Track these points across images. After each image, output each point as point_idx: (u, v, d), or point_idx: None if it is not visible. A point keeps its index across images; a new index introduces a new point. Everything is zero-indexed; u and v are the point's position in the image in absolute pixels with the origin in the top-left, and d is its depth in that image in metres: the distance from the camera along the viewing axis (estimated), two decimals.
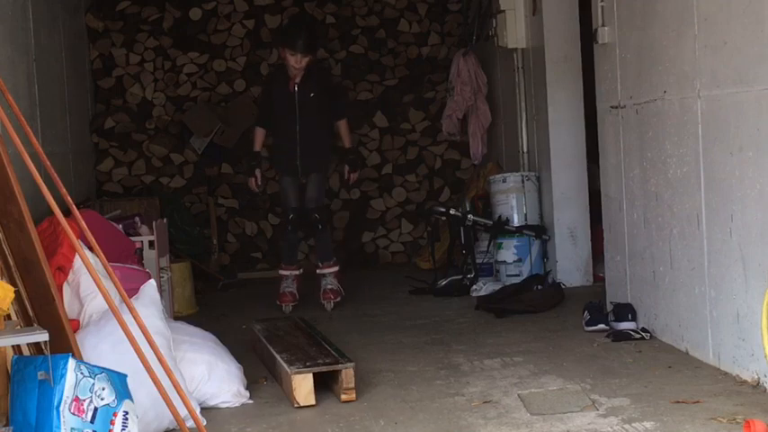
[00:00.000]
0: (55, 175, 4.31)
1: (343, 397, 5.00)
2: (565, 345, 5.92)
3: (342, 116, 7.93)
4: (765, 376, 4.68)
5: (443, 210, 8.49)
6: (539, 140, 8.22)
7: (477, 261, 8.18)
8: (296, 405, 4.96)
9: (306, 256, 10.17)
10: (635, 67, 5.94)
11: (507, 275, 7.97)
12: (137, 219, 7.36)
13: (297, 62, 7.58)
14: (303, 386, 4.96)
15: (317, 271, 7.85)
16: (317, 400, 5.00)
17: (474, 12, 9.47)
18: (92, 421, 3.98)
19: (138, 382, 4.22)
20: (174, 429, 4.65)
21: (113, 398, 4.06)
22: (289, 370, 5.04)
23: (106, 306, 4.54)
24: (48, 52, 7.49)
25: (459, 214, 8.29)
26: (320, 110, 7.74)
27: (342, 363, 5.08)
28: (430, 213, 8.86)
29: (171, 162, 10.02)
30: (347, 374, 5.00)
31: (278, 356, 5.37)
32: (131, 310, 4.18)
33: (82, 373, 3.99)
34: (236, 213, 10.11)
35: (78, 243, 4.42)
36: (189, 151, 10.03)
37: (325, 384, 5.14)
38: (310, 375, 4.98)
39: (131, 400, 4.15)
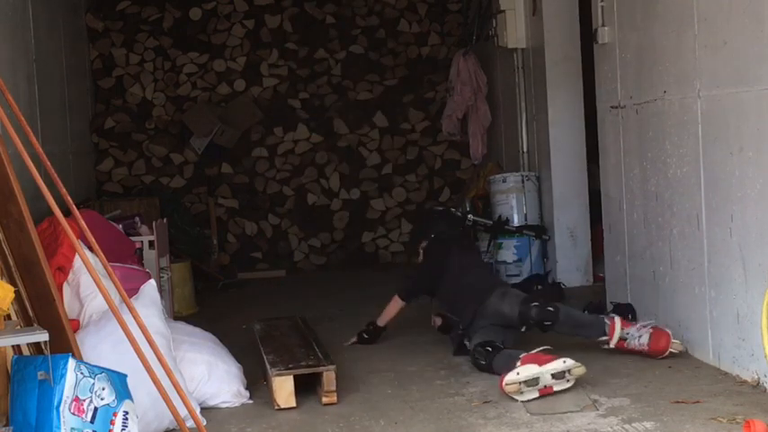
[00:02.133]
0: (55, 175, 4.31)
1: (324, 399, 4.97)
2: (565, 345, 5.91)
3: None
4: (765, 376, 4.68)
5: (443, 210, 8.48)
6: (539, 140, 8.22)
7: None
8: (276, 407, 4.93)
9: (306, 255, 10.19)
10: (635, 67, 5.94)
11: (507, 275, 7.97)
12: (137, 219, 7.36)
13: None
14: (284, 388, 4.93)
15: None
16: (315, 400, 5.00)
17: (474, 12, 9.47)
18: (92, 421, 3.98)
19: (138, 382, 4.22)
20: (174, 429, 4.65)
21: (113, 398, 4.06)
22: (270, 371, 5.04)
23: (106, 306, 4.54)
24: (48, 52, 7.49)
25: (459, 214, 8.28)
26: None
27: (324, 365, 5.04)
28: (429, 213, 8.86)
29: (171, 162, 10.02)
30: (328, 377, 4.97)
31: (265, 357, 5.36)
32: (131, 310, 4.18)
33: (82, 373, 3.99)
34: (236, 213, 10.12)
35: (78, 243, 4.42)
36: (189, 151, 10.03)
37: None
38: (291, 377, 4.95)
39: (131, 400, 4.15)
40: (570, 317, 5.65)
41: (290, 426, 4.74)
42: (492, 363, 5.28)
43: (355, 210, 10.23)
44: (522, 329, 5.66)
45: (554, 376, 4.86)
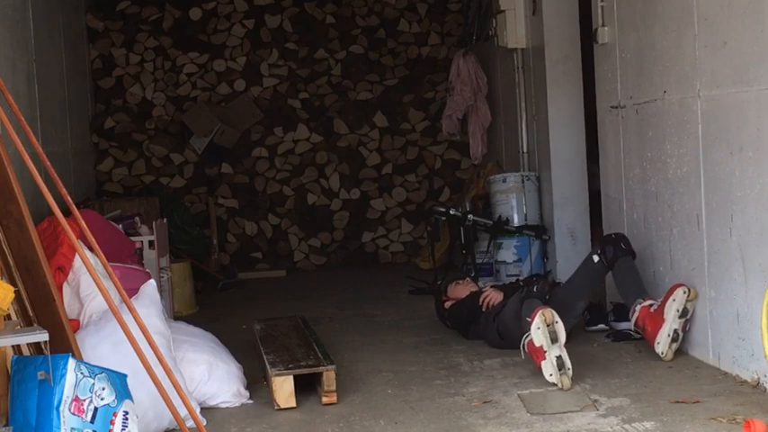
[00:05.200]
0: (55, 175, 4.31)
1: (324, 399, 4.96)
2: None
3: None
4: (765, 376, 4.68)
5: (443, 210, 8.49)
6: (539, 140, 8.21)
7: (477, 261, 8.18)
8: (276, 407, 4.93)
9: (306, 255, 10.20)
10: (635, 67, 5.94)
11: (507, 275, 7.96)
12: (137, 219, 7.36)
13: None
14: (284, 388, 4.93)
15: None
16: (315, 400, 5.00)
17: (474, 12, 9.47)
18: (92, 421, 3.98)
19: (138, 382, 4.22)
20: (174, 429, 4.65)
21: (113, 398, 4.06)
22: (270, 371, 5.04)
23: (106, 306, 4.54)
24: (48, 52, 7.49)
25: (459, 214, 8.28)
26: None
27: (324, 365, 5.04)
28: (430, 213, 8.86)
29: (171, 162, 10.03)
30: (328, 377, 4.97)
31: (265, 357, 5.36)
32: (131, 310, 4.18)
33: (82, 373, 3.99)
34: (236, 213, 10.12)
35: (78, 243, 4.42)
36: (189, 151, 10.03)
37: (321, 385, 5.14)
38: (291, 378, 4.95)
39: (131, 400, 4.15)
40: (635, 268, 5.78)
41: (290, 426, 4.74)
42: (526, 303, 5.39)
43: (355, 210, 10.23)
44: (595, 258, 5.80)
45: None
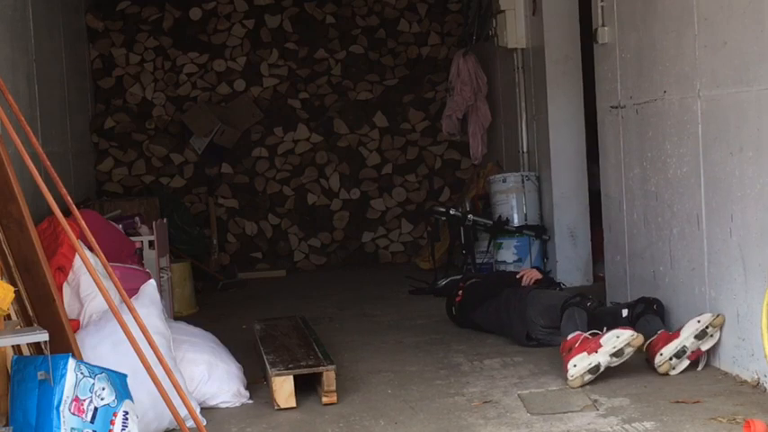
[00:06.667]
0: (55, 175, 4.31)
1: (325, 399, 4.96)
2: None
3: None
4: (765, 376, 4.68)
5: (443, 210, 8.49)
6: (539, 140, 8.22)
7: (477, 261, 8.18)
8: (276, 407, 4.93)
9: (306, 255, 10.20)
10: (635, 67, 5.94)
11: None
12: (137, 219, 7.36)
13: None
14: (284, 388, 4.93)
15: None
16: (315, 400, 5.00)
17: (474, 12, 9.47)
18: (92, 421, 3.98)
19: (138, 382, 4.22)
20: (174, 429, 4.65)
21: (113, 398, 4.06)
22: (270, 371, 5.04)
23: (106, 306, 4.54)
24: (48, 52, 7.49)
25: (459, 214, 8.29)
26: None
27: (324, 365, 5.03)
28: (430, 213, 8.87)
29: (171, 162, 10.03)
30: (328, 377, 4.96)
31: (265, 357, 5.36)
32: (131, 310, 4.18)
33: (82, 373, 3.99)
34: (236, 213, 10.12)
35: (78, 243, 4.42)
36: (189, 151, 10.04)
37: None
38: (291, 378, 4.94)
39: (131, 400, 4.15)
40: (661, 324, 5.53)
41: (290, 426, 4.74)
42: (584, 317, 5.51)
43: (355, 210, 10.23)
44: (624, 313, 5.61)
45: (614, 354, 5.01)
